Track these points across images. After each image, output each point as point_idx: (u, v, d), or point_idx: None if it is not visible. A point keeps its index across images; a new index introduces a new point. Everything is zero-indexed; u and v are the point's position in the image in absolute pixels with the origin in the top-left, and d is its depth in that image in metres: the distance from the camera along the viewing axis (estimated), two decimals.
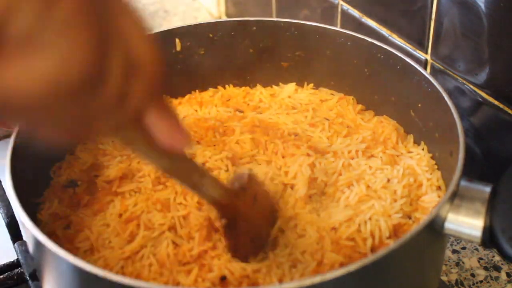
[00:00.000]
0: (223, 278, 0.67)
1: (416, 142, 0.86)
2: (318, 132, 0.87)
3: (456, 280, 0.90)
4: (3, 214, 0.84)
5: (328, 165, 0.80)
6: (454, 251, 0.95)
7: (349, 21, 1.12)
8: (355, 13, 1.10)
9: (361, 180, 0.78)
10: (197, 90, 0.98)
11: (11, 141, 0.74)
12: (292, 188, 0.77)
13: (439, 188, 0.78)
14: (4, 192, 0.89)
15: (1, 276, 0.85)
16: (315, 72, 0.96)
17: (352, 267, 0.56)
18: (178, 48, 0.95)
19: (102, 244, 0.72)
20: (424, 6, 0.94)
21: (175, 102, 0.96)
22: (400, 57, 0.84)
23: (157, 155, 0.56)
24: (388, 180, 0.78)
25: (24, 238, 0.79)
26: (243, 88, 0.98)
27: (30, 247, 0.71)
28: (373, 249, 0.70)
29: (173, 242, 0.71)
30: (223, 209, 0.66)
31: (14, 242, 0.80)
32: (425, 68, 0.96)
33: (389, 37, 1.03)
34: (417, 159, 0.82)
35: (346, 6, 1.12)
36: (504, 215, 0.61)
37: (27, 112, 0.42)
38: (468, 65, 0.90)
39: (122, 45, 0.45)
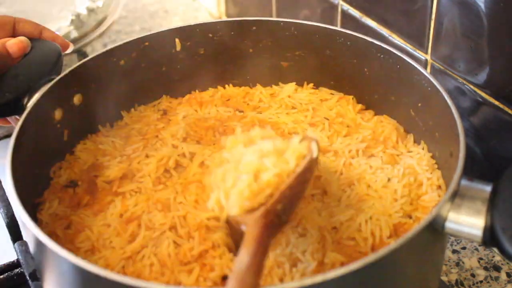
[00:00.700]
0: (224, 278, 0.67)
1: (416, 142, 0.86)
2: (318, 131, 0.87)
3: (456, 280, 0.90)
4: (3, 214, 0.84)
5: (329, 164, 0.80)
6: (454, 251, 0.95)
7: (349, 21, 1.12)
8: (355, 13, 1.10)
9: (362, 179, 0.78)
10: (197, 90, 0.98)
11: (11, 141, 0.74)
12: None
13: (439, 187, 0.78)
14: (4, 192, 0.89)
15: (1, 276, 0.85)
16: (315, 72, 0.96)
17: (353, 266, 0.56)
18: (178, 48, 0.95)
19: (103, 244, 0.72)
20: (424, 6, 0.94)
21: (175, 102, 0.96)
22: (400, 57, 0.84)
23: None
24: (389, 180, 0.78)
25: (25, 238, 0.79)
26: (243, 88, 0.98)
27: (31, 247, 0.71)
28: (373, 249, 0.70)
29: (174, 242, 0.71)
30: None
31: (14, 242, 0.81)
32: (425, 68, 0.96)
33: (389, 37, 1.04)
34: (417, 158, 0.82)
35: (346, 6, 1.12)
36: (504, 214, 0.61)
37: None
38: (468, 65, 0.90)
39: None
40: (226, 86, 0.99)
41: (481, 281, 0.90)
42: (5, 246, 0.88)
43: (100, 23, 1.35)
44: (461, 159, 0.66)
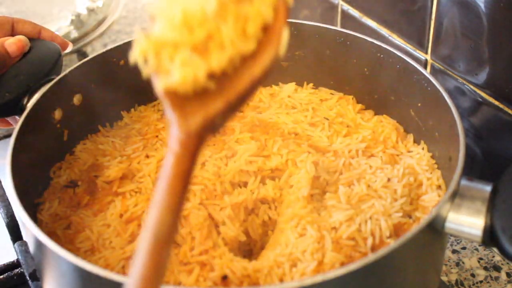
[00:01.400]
0: (224, 278, 0.67)
1: (416, 142, 0.86)
2: (318, 131, 0.87)
3: (456, 280, 0.90)
4: (3, 214, 0.84)
5: (329, 164, 0.80)
6: (454, 251, 0.95)
7: (349, 21, 1.12)
8: (355, 13, 1.10)
9: (362, 179, 0.78)
10: None
11: (11, 141, 0.74)
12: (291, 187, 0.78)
13: (439, 187, 0.78)
14: (4, 192, 0.89)
15: (1, 276, 0.85)
16: (315, 72, 0.96)
17: (352, 266, 0.56)
18: None
19: (103, 244, 0.72)
20: (424, 6, 0.94)
21: None
22: (400, 57, 0.84)
23: None
24: (388, 180, 0.78)
25: (25, 238, 0.79)
26: None
27: (31, 247, 0.71)
28: (373, 249, 0.70)
29: (174, 242, 0.71)
30: None
31: (14, 242, 0.80)
32: (425, 68, 0.96)
33: (389, 37, 1.04)
34: (417, 158, 0.82)
35: (346, 6, 1.12)
36: (504, 214, 0.61)
37: None
38: (468, 65, 0.90)
39: None
40: None
41: (481, 281, 0.90)
42: (5, 246, 0.88)
43: (100, 23, 1.35)
44: (461, 159, 0.66)
